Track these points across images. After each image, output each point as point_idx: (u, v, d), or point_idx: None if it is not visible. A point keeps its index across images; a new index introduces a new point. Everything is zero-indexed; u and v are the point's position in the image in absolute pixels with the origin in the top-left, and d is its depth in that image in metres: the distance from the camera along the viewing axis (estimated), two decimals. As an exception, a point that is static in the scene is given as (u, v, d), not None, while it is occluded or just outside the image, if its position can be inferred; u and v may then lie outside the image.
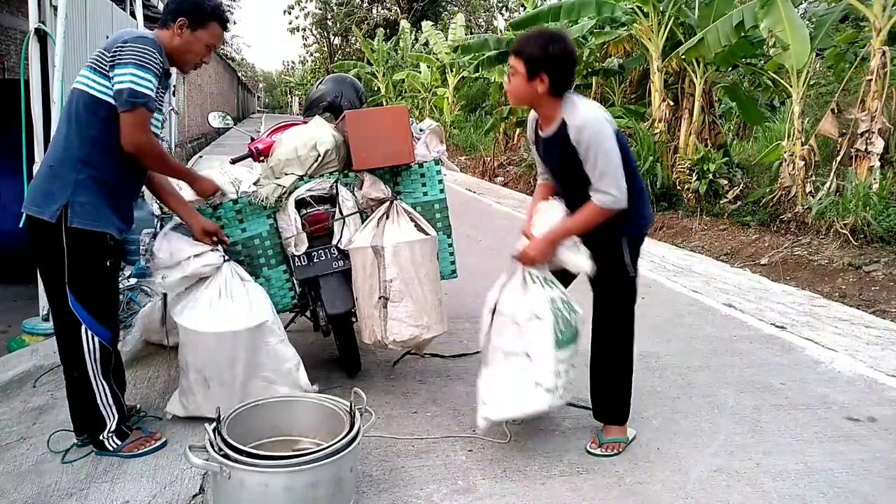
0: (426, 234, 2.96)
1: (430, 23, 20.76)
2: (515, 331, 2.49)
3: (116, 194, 2.44)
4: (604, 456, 2.63)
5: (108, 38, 5.36)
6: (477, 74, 14.89)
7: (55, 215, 2.31)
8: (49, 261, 2.40)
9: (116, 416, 2.53)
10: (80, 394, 2.52)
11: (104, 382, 2.49)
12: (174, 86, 7.87)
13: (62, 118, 2.43)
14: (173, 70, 2.66)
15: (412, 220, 2.97)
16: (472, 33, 20.47)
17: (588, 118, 2.39)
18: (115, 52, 2.26)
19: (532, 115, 2.64)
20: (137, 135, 2.30)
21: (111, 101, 2.29)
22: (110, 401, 2.51)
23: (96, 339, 2.43)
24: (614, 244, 2.54)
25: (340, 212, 3.03)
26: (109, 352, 2.49)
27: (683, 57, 8.07)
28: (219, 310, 2.63)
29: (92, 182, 2.35)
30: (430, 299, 2.93)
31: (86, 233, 2.35)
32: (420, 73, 19.58)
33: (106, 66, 2.28)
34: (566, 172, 2.51)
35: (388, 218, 2.94)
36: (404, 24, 23.90)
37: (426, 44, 20.51)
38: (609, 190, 2.38)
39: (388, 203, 2.96)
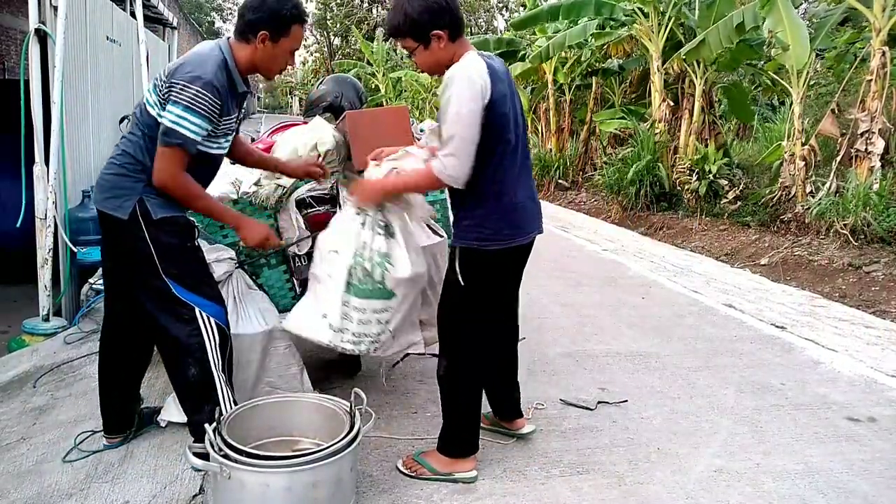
0: (440, 236, 2.96)
1: None
2: (318, 256, 2.50)
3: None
4: (400, 472, 2.46)
5: (111, 40, 5.34)
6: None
7: (128, 213, 2.27)
8: (135, 262, 2.34)
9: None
10: (197, 395, 2.38)
11: (224, 378, 2.39)
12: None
13: (132, 120, 2.40)
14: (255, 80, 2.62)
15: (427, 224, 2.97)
16: (471, 34, 20.47)
17: (455, 72, 2.17)
18: (171, 87, 2.21)
19: None
20: (165, 171, 2.24)
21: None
22: (229, 401, 2.38)
23: (212, 320, 2.36)
24: (453, 251, 2.35)
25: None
26: (227, 335, 2.41)
27: (684, 58, 8.06)
28: (235, 314, 2.63)
29: (155, 195, 2.31)
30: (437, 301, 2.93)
31: (168, 220, 2.31)
32: (420, 73, 19.57)
33: (163, 95, 2.24)
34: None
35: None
36: None
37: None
38: (446, 158, 2.15)
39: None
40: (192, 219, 2.43)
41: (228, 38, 2.39)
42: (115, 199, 2.29)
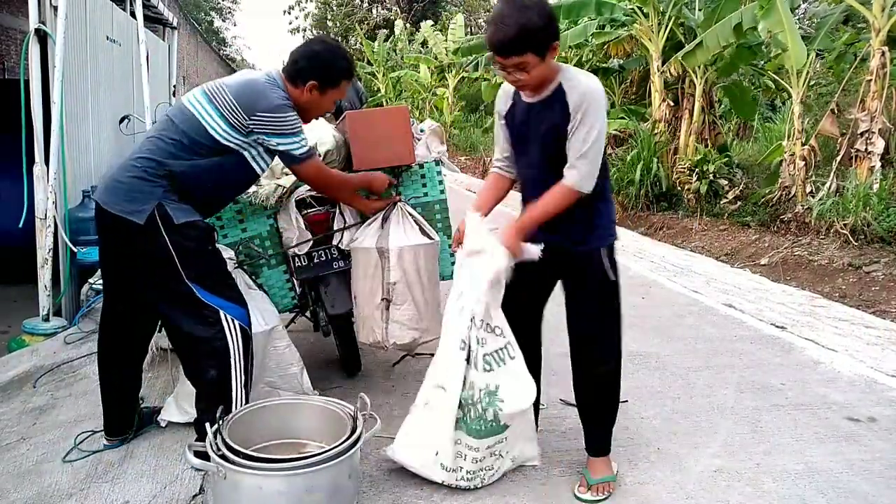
0: (430, 238, 2.96)
1: (430, 23, 20.77)
2: (426, 385, 2.43)
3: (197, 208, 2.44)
4: (589, 501, 2.36)
5: (111, 40, 5.33)
6: (477, 74, 14.88)
7: (146, 217, 2.26)
8: (149, 266, 2.34)
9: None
10: (213, 397, 2.37)
11: (242, 380, 2.39)
12: (175, 86, 7.88)
13: (162, 125, 2.40)
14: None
15: (416, 223, 2.96)
16: (471, 33, 20.47)
17: (591, 86, 2.17)
18: (263, 121, 2.33)
19: (506, 86, 2.37)
20: (318, 179, 2.63)
21: (229, 144, 2.36)
22: (241, 402, 2.40)
23: (237, 322, 2.37)
24: (593, 255, 2.33)
25: (342, 215, 3.03)
26: (249, 336, 2.43)
27: (685, 59, 8.06)
28: None
29: (175, 194, 2.33)
30: (431, 303, 2.93)
31: (189, 224, 2.32)
32: (419, 73, 19.59)
33: (238, 119, 2.33)
34: (543, 146, 2.27)
35: (392, 220, 2.93)
36: (399, 24, 23.94)
37: (424, 44, 20.52)
38: (583, 170, 2.18)
39: (392, 205, 2.96)
40: (210, 223, 2.45)
41: (280, 72, 2.49)
42: (132, 204, 2.27)
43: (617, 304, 2.40)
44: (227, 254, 2.78)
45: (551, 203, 2.25)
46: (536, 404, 2.55)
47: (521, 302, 2.46)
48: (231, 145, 2.36)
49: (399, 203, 2.96)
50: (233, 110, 2.32)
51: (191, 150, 2.33)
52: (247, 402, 2.42)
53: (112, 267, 2.52)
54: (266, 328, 2.68)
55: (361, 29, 27.82)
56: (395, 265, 2.83)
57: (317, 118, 2.66)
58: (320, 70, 2.42)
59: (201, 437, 2.35)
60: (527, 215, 2.32)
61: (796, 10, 7.34)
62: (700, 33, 7.71)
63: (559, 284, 2.48)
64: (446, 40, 18.37)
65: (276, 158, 2.54)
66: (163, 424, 2.77)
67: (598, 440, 2.48)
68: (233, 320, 2.37)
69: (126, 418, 2.66)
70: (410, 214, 2.97)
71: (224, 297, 2.38)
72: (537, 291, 2.51)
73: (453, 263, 3.30)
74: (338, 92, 2.53)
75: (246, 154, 2.41)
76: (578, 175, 2.20)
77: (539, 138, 2.29)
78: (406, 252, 2.84)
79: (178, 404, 2.76)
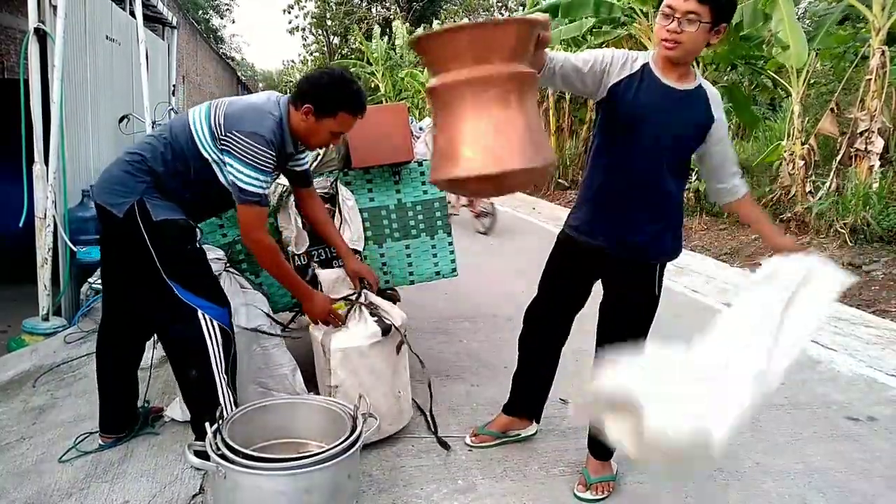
0: (387, 329, 2.57)
1: (427, 25, 20.84)
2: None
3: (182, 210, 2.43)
4: (593, 500, 2.36)
5: (111, 40, 5.32)
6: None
7: (124, 211, 2.28)
8: (133, 261, 2.35)
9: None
10: (198, 397, 2.41)
11: (226, 378, 2.40)
12: (174, 86, 7.87)
13: (162, 128, 2.42)
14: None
15: (375, 313, 2.62)
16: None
17: (718, 95, 2.15)
18: (231, 139, 2.27)
19: (632, 53, 2.13)
20: (249, 230, 2.35)
21: (208, 157, 2.33)
22: (230, 403, 2.40)
23: (216, 322, 2.37)
24: (648, 270, 2.21)
25: (341, 211, 3.02)
26: (230, 335, 2.43)
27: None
28: None
29: (158, 192, 2.34)
30: (385, 401, 2.60)
31: (169, 222, 2.32)
32: (420, 72, 19.60)
33: (220, 138, 2.29)
34: (676, 139, 2.09)
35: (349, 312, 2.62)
36: (397, 24, 23.97)
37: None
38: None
39: (355, 297, 2.68)
40: (192, 221, 2.44)
41: (288, 99, 2.44)
42: (113, 196, 2.30)
43: (651, 321, 2.34)
44: (217, 254, 2.78)
45: (762, 214, 2.23)
46: (543, 397, 2.62)
47: (569, 305, 2.44)
48: (209, 158, 2.33)
49: (361, 297, 2.66)
50: (219, 125, 2.30)
51: (177, 155, 2.33)
52: (235, 401, 2.43)
53: (107, 264, 2.55)
54: (247, 326, 2.65)
55: (360, 28, 27.83)
56: (338, 367, 2.51)
57: (320, 148, 2.58)
58: (316, 95, 2.36)
59: (200, 436, 2.36)
60: (780, 237, 2.20)
61: (797, 8, 7.32)
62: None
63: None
64: None
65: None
66: (166, 420, 2.79)
67: (604, 444, 2.40)
68: (211, 320, 2.37)
69: (122, 417, 2.67)
70: (371, 304, 2.66)
71: (203, 297, 2.38)
72: (583, 294, 2.43)
73: (453, 261, 3.30)
74: (336, 123, 2.39)
75: (217, 170, 2.37)
76: (743, 184, 2.18)
77: (673, 130, 2.08)
78: (352, 354, 2.51)
79: (183, 405, 2.76)
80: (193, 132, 2.33)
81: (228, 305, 2.47)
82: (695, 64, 8.19)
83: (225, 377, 2.40)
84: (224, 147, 2.29)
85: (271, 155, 2.28)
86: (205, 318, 2.35)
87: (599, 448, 2.42)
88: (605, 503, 2.35)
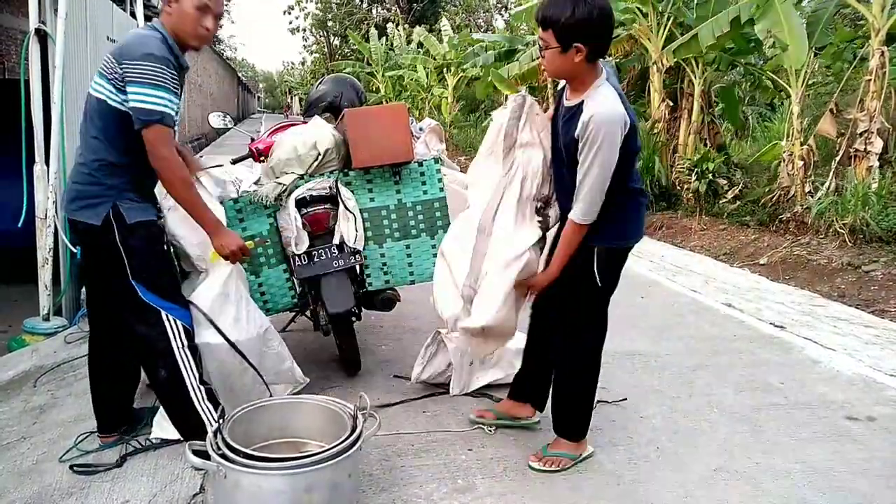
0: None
1: (424, 27, 21.01)
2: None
3: (150, 188, 2.46)
4: (542, 471, 2.49)
5: (111, 40, 5.34)
6: (475, 72, 14.85)
7: (102, 218, 2.30)
8: (104, 264, 2.38)
9: (216, 415, 2.44)
10: (171, 397, 2.45)
11: (196, 375, 2.42)
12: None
13: (84, 122, 2.41)
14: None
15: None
16: (471, 33, 20.49)
17: (602, 114, 2.13)
18: (126, 69, 2.20)
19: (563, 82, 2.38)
20: (155, 147, 2.23)
21: (124, 109, 2.25)
22: (205, 399, 2.44)
23: (179, 323, 2.40)
24: (586, 250, 2.34)
25: (343, 209, 3.03)
26: (193, 337, 2.45)
27: (675, 52, 8.04)
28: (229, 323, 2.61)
29: (130, 184, 2.35)
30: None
31: (141, 224, 2.34)
32: (417, 73, 19.62)
33: (118, 79, 2.23)
34: (567, 154, 2.30)
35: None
36: (391, 26, 24.12)
37: (420, 45, 20.58)
38: (583, 207, 2.24)
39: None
40: (162, 225, 2.47)
41: (160, 17, 2.37)
42: (89, 209, 2.32)
43: (590, 307, 2.46)
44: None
45: (566, 246, 2.34)
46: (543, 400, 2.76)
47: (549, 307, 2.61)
48: (124, 109, 2.25)
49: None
50: (113, 71, 2.24)
51: (118, 131, 2.29)
52: (209, 400, 2.46)
53: (87, 267, 2.59)
54: (260, 332, 2.67)
55: (361, 29, 27.84)
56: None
57: (199, 38, 2.36)
58: None
59: (186, 436, 2.39)
60: (557, 263, 2.39)
61: (798, 5, 7.29)
62: (695, 28, 7.69)
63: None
64: (441, 43, 18.48)
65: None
66: (155, 442, 2.65)
67: (569, 422, 2.58)
68: (175, 321, 2.40)
69: (117, 416, 2.67)
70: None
71: (168, 299, 2.41)
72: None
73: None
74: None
75: None
76: (580, 212, 2.27)
77: (561, 146, 2.35)
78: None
79: (162, 423, 2.68)
80: (101, 97, 2.28)
81: (189, 308, 2.50)
82: (693, 62, 8.25)
83: (196, 375, 2.43)
84: (123, 81, 2.21)
85: (169, 71, 2.22)
86: (168, 319, 2.39)
87: (563, 426, 2.57)
88: (606, 501, 2.35)
